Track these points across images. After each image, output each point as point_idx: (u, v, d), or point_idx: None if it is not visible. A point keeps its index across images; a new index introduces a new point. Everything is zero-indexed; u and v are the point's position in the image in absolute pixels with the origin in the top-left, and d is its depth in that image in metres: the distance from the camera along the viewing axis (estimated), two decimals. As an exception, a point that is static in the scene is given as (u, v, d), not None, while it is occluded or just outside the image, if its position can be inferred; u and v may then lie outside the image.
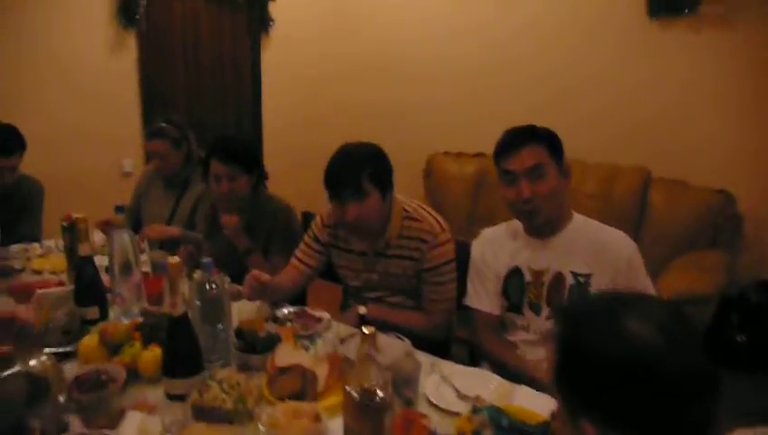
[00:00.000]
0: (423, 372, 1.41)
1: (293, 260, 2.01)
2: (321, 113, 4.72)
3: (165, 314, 1.42)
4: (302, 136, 4.63)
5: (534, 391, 1.39)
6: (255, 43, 4.47)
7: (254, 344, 1.52)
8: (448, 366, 1.53)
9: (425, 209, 1.89)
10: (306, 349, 1.57)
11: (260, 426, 1.20)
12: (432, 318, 1.87)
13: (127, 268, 1.75)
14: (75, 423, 1.23)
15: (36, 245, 2.52)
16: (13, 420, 1.12)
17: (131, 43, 3.86)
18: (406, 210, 1.86)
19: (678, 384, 0.76)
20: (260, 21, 4.41)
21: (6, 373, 1.14)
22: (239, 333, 1.56)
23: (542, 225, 1.66)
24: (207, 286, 1.50)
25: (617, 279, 1.59)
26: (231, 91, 4.47)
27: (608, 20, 3.42)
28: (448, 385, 1.43)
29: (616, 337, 0.78)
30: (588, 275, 1.63)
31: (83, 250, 1.73)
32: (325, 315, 1.80)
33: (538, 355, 1.64)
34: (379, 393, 1.11)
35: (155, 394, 1.38)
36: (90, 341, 1.52)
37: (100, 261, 1.88)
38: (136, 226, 2.64)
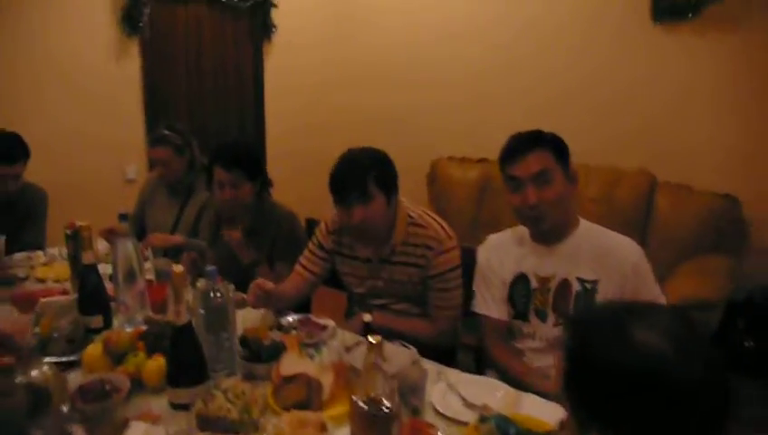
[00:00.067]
0: (429, 381, 1.40)
1: (298, 267, 2.00)
2: (323, 119, 4.72)
3: (169, 323, 1.41)
4: (305, 142, 4.63)
5: (542, 400, 1.37)
6: (258, 49, 4.48)
7: (259, 353, 1.51)
8: (455, 374, 1.52)
9: (430, 215, 1.88)
10: (311, 357, 1.56)
11: (265, 436, 1.19)
12: (438, 325, 1.86)
13: (131, 276, 1.74)
14: (79, 433, 1.21)
15: (40, 253, 2.51)
16: (14, 431, 1.11)
17: (135, 50, 3.87)
18: (410, 216, 1.85)
19: (687, 392, 0.76)
20: (262, 27, 4.42)
21: (7, 384, 1.13)
22: (244, 341, 1.55)
23: (548, 231, 1.65)
24: (212, 295, 1.49)
25: (624, 286, 1.58)
26: (234, 97, 4.48)
27: (611, 24, 3.42)
28: (455, 393, 1.42)
29: (624, 346, 0.78)
30: (594, 282, 1.61)
31: (87, 258, 1.73)
32: (330, 323, 1.79)
33: (545, 363, 1.63)
34: (386, 403, 1.10)
35: (159, 404, 1.37)
36: (93, 350, 1.52)
37: (104, 269, 1.87)
38: (140, 233, 2.63)
